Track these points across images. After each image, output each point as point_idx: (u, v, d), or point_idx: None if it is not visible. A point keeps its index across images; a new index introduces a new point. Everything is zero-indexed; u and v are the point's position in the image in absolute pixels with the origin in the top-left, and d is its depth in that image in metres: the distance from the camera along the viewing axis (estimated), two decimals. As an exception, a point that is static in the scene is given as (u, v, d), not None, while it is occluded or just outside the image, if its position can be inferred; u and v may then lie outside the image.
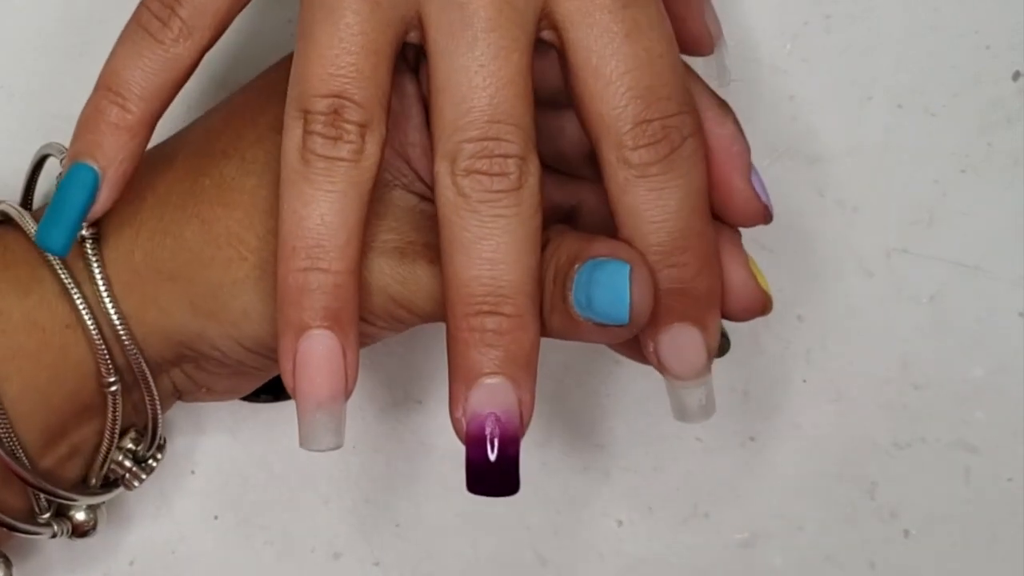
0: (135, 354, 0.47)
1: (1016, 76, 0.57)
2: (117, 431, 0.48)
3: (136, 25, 0.45)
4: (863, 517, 0.57)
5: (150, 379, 0.48)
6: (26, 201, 0.51)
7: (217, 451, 0.57)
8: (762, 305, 0.47)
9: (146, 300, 0.46)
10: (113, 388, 0.47)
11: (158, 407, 0.49)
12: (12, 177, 0.54)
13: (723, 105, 0.46)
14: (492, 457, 0.42)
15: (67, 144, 0.46)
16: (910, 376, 0.57)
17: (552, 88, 0.46)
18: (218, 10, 0.44)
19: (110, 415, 0.48)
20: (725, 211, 0.46)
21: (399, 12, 0.43)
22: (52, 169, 0.50)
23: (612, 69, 0.43)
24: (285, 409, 0.56)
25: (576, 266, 0.43)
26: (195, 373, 0.49)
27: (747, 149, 0.46)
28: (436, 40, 0.43)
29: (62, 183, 0.45)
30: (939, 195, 0.57)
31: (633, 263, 0.43)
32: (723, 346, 0.47)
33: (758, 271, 0.47)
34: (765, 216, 0.46)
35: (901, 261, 0.57)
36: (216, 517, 0.57)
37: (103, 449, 0.49)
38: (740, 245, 0.47)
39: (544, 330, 0.44)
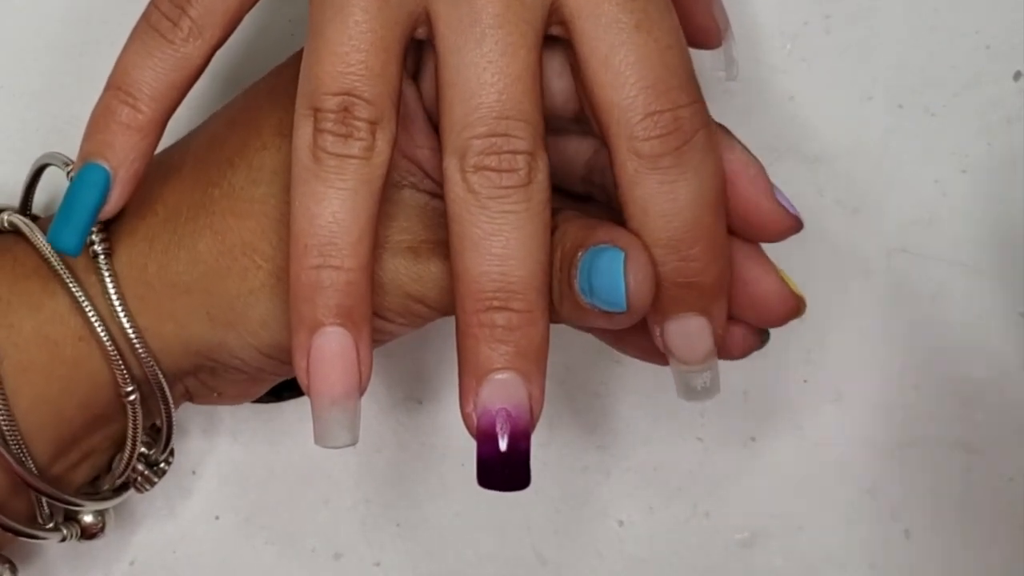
0: (151, 366, 0.47)
1: (1016, 76, 0.57)
2: (139, 439, 0.48)
3: (146, 25, 0.45)
4: (863, 517, 0.57)
5: (166, 389, 0.48)
6: (24, 210, 0.50)
7: (218, 451, 0.57)
8: (796, 308, 0.47)
9: (162, 314, 0.46)
10: (132, 397, 0.47)
11: (173, 414, 0.49)
12: (12, 177, 0.54)
13: (724, 128, 0.46)
14: (503, 452, 0.42)
15: (68, 154, 0.46)
16: (910, 376, 0.57)
17: None
18: (228, 9, 0.44)
19: (131, 424, 0.48)
20: (760, 232, 0.46)
21: (407, 8, 0.43)
22: (49, 179, 0.50)
23: (622, 59, 0.43)
24: (286, 409, 0.56)
25: (580, 253, 0.43)
26: (210, 380, 0.49)
27: (763, 167, 0.46)
28: (444, 36, 0.43)
29: (73, 183, 0.44)
30: (939, 195, 0.57)
31: (629, 250, 0.43)
32: (763, 339, 0.47)
33: (786, 276, 0.47)
34: (798, 227, 0.46)
35: (901, 261, 0.57)
36: (217, 517, 0.57)
37: (125, 456, 0.49)
38: (764, 253, 0.47)
39: (556, 316, 0.44)
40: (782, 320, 0.47)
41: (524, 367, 0.42)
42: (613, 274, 0.43)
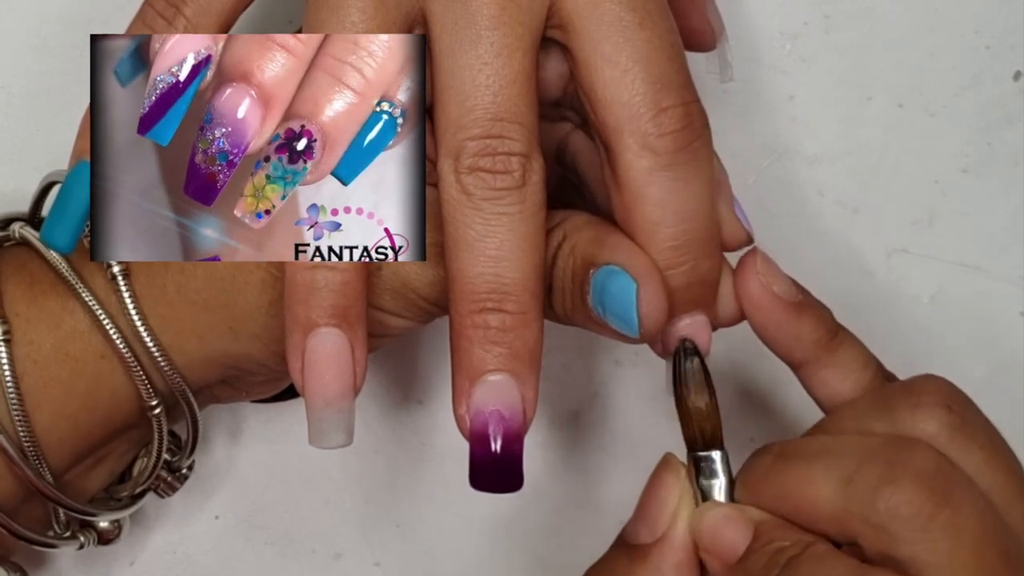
0: (178, 381, 0.47)
1: (1016, 76, 0.57)
2: (164, 450, 0.49)
3: (141, 24, 0.44)
4: (863, 517, 0.57)
5: (193, 401, 0.48)
6: (32, 220, 0.50)
7: (217, 451, 0.57)
8: (742, 316, 0.47)
9: (184, 331, 0.46)
10: (157, 411, 0.47)
11: (199, 422, 0.49)
12: (11, 178, 0.54)
13: None
14: (496, 454, 0.42)
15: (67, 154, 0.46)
16: (910, 376, 0.57)
17: None
18: (222, 9, 0.44)
19: (156, 436, 0.48)
20: None
21: (403, 10, 0.43)
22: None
23: (627, 56, 0.43)
24: (285, 410, 0.56)
25: (591, 271, 0.43)
26: (236, 383, 0.49)
27: (727, 178, 0.46)
28: (440, 37, 0.43)
29: (67, 181, 0.44)
30: (939, 195, 0.57)
31: (641, 281, 0.43)
32: None
33: None
34: (748, 242, 0.47)
35: (901, 261, 0.57)
36: (216, 517, 0.57)
37: (150, 465, 0.49)
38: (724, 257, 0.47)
39: (568, 322, 0.45)
40: (729, 323, 0.47)
41: (517, 369, 0.42)
42: (625, 303, 0.43)
